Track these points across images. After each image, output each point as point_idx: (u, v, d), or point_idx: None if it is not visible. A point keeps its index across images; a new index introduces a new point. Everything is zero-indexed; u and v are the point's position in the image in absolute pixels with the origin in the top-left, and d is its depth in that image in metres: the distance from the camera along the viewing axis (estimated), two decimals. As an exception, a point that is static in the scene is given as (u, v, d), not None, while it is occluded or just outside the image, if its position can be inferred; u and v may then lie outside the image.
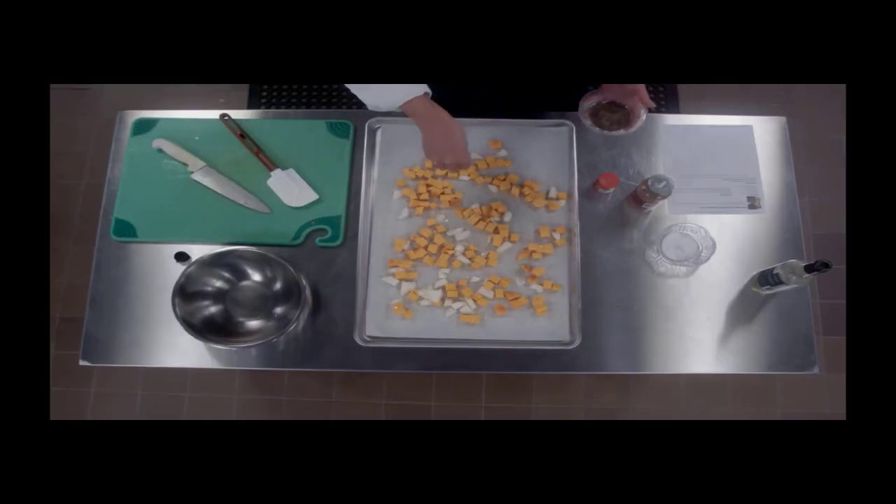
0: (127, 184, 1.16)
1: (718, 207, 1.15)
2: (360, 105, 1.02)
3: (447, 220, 1.13)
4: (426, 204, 1.13)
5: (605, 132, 0.99)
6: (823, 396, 1.77)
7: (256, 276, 1.11)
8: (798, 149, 1.23)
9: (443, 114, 0.98)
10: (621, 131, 0.98)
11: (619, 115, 0.98)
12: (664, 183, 1.03)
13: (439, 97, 0.99)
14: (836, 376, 1.74)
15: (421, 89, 0.95)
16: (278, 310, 1.09)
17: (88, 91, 2.07)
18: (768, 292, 1.08)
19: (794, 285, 1.00)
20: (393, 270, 1.10)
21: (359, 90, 0.99)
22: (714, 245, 1.06)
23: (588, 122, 0.98)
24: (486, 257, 1.10)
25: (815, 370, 1.07)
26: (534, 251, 1.10)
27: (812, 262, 0.93)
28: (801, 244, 1.13)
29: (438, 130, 0.99)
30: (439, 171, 1.15)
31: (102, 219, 1.15)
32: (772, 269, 1.03)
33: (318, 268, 1.12)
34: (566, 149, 1.17)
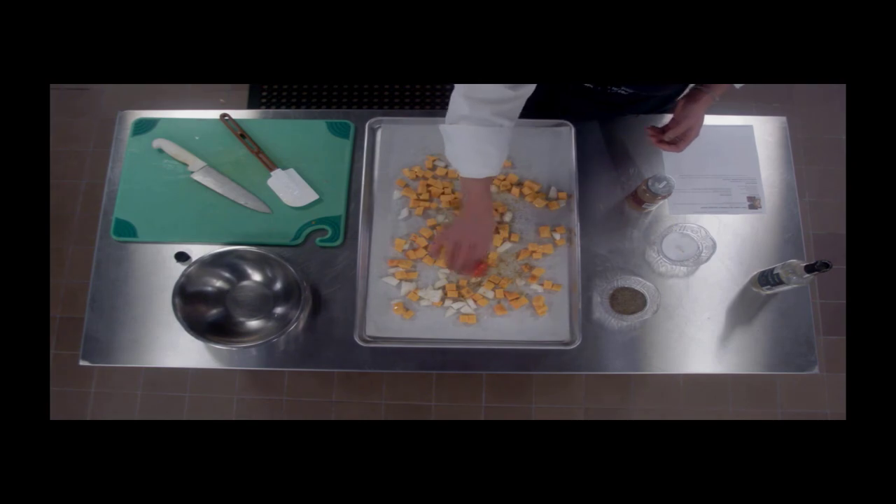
0: (127, 184, 1.16)
1: (718, 207, 1.15)
2: (360, 105, 1.02)
3: (447, 220, 1.13)
4: (426, 204, 1.13)
5: (619, 314, 1.07)
6: (823, 396, 1.77)
7: (256, 276, 1.11)
8: (798, 149, 1.23)
9: (486, 206, 0.99)
10: (632, 317, 1.07)
11: (634, 305, 1.08)
12: (664, 183, 1.03)
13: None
14: (836, 376, 1.75)
15: (487, 172, 0.94)
16: (278, 310, 1.09)
17: (88, 91, 2.07)
18: (768, 292, 1.08)
19: (794, 285, 1.00)
20: (393, 270, 1.10)
21: (448, 143, 0.96)
22: (714, 245, 1.06)
23: (606, 303, 1.08)
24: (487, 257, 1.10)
25: (815, 370, 1.07)
26: (534, 251, 1.10)
27: (812, 262, 0.93)
28: (801, 244, 1.13)
29: (469, 219, 0.99)
30: (446, 265, 1.05)
31: (102, 219, 1.15)
32: (772, 269, 1.03)
33: (318, 268, 1.12)
34: (566, 149, 1.17)
